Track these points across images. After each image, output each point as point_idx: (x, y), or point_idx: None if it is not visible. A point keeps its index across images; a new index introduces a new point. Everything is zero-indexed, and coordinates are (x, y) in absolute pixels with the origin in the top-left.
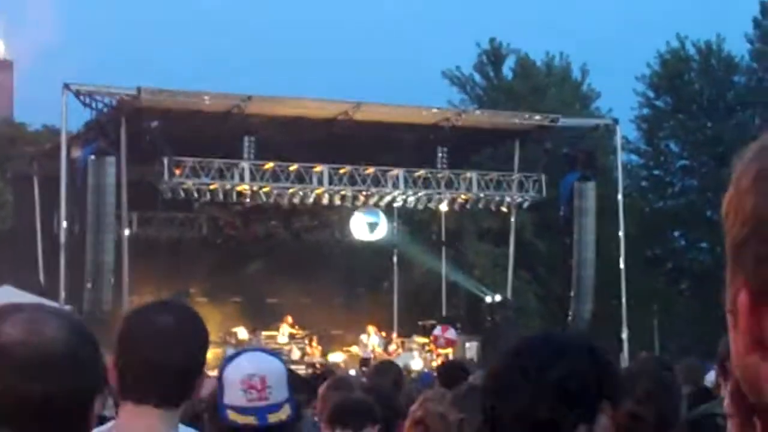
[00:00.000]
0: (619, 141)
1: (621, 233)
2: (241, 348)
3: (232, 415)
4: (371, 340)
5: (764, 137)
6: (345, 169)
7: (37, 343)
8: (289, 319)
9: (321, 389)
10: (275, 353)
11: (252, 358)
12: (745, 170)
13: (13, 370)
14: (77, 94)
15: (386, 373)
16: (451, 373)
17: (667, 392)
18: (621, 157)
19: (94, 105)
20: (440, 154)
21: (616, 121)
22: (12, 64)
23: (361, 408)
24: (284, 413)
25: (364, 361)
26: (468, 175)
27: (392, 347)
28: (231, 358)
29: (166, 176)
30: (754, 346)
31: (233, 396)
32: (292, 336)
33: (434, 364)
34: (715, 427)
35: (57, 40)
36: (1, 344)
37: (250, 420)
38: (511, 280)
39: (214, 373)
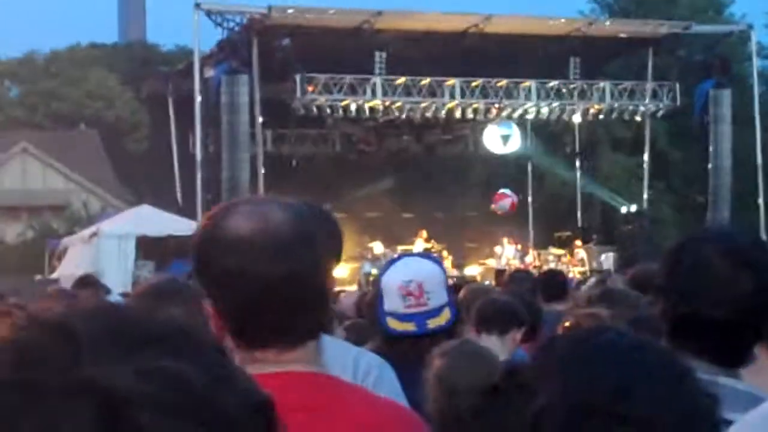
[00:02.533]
0: (754, 47)
1: (758, 140)
2: (377, 262)
3: (391, 323)
4: (506, 252)
5: None
6: (477, 82)
7: (270, 229)
8: (424, 233)
9: (459, 296)
10: (433, 256)
11: (409, 263)
12: None
13: (254, 256)
14: (208, 13)
15: (522, 282)
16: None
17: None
18: (756, 63)
19: (225, 24)
20: (572, 65)
21: (750, 26)
22: None
23: (506, 310)
24: (443, 318)
25: (500, 273)
26: (601, 85)
27: (528, 259)
28: (389, 265)
29: (298, 93)
30: None
31: (392, 303)
32: (427, 250)
33: (571, 275)
34: None
35: None
36: (240, 234)
37: (409, 327)
38: (646, 189)
39: (353, 287)
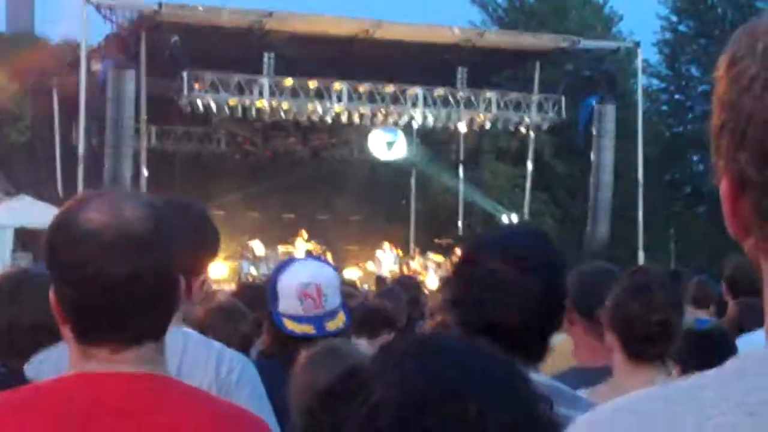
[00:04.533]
0: (640, 64)
1: (640, 156)
2: (257, 261)
3: (289, 324)
4: (386, 257)
5: (748, 23)
6: (364, 87)
7: (118, 224)
8: (304, 234)
9: None
10: (326, 260)
11: (306, 266)
12: (723, 56)
13: (101, 252)
14: (98, 7)
15: (409, 287)
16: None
17: (679, 300)
18: (642, 80)
19: (114, 18)
20: (460, 74)
21: (637, 44)
22: None
23: (377, 314)
24: (340, 320)
25: (380, 278)
26: (488, 95)
27: (409, 264)
28: (283, 267)
29: (185, 90)
30: (742, 232)
31: (289, 305)
32: (308, 251)
33: None
34: (720, 338)
35: None
36: (88, 228)
37: (309, 329)
38: (528, 200)
39: (231, 286)
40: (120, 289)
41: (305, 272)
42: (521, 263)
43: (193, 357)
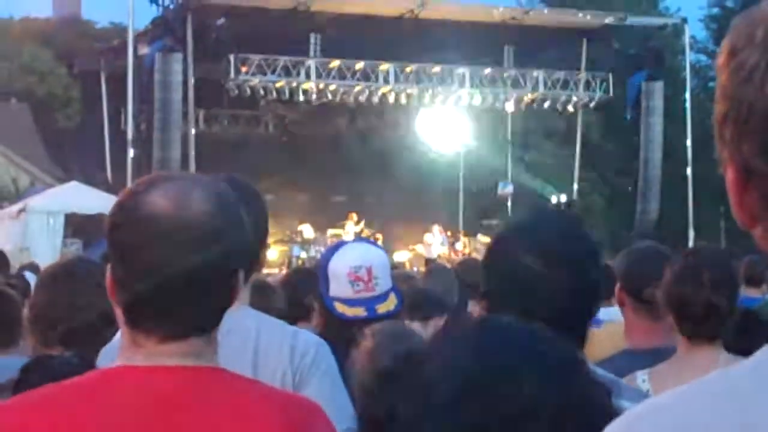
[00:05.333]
0: (687, 41)
1: (689, 134)
2: (307, 245)
3: (339, 307)
4: (435, 239)
5: (746, 11)
6: (411, 68)
7: (185, 216)
8: (354, 216)
9: None
10: (376, 243)
11: (356, 249)
12: (723, 45)
13: (159, 240)
14: None
15: (441, 273)
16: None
17: (734, 279)
18: (689, 57)
19: (160, 2)
20: (507, 53)
21: (684, 20)
22: None
23: (428, 298)
24: (392, 303)
25: (429, 261)
26: (534, 74)
27: (458, 246)
28: (333, 250)
29: (232, 74)
30: (749, 221)
31: (340, 288)
32: (357, 234)
33: None
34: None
35: None
36: (150, 212)
37: (359, 311)
38: (577, 180)
39: (282, 270)
40: (174, 280)
41: (355, 255)
42: (548, 256)
43: (267, 341)
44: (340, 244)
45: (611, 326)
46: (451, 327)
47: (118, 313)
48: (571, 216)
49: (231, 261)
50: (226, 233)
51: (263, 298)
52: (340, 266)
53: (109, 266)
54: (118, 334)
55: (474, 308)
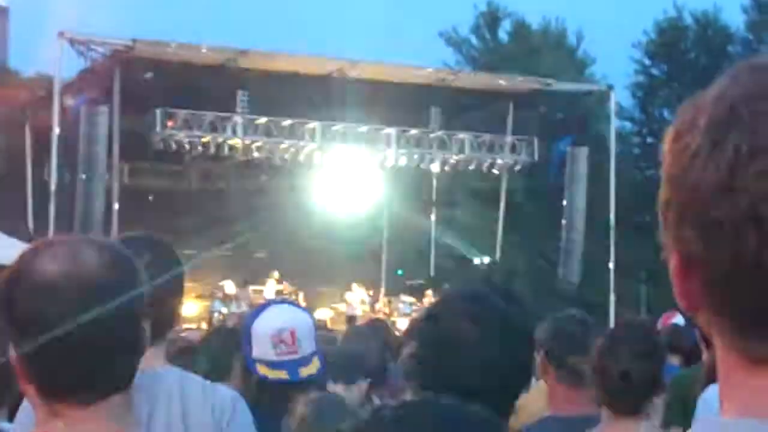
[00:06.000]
0: (613, 107)
1: (612, 199)
2: (228, 301)
3: (262, 369)
4: (357, 298)
5: (690, 99)
6: (338, 127)
7: (77, 273)
8: (276, 273)
9: None
10: (300, 306)
11: (281, 311)
12: (668, 132)
13: (58, 304)
14: (72, 42)
15: (375, 331)
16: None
17: (657, 352)
18: (614, 123)
19: (88, 54)
20: (434, 115)
21: (610, 87)
22: (7, 10)
23: (353, 361)
24: (314, 366)
25: (351, 319)
26: (461, 136)
27: (379, 305)
28: (258, 311)
29: (158, 128)
30: (692, 308)
31: (262, 350)
32: (278, 292)
33: None
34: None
35: None
36: (44, 277)
37: (282, 374)
38: (500, 242)
39: (202, 326)
40: (83, 340)
41: (279, 317)
42: (482, 326)
43: (193, 399)
44: (264, 306)
45: (540, 389)
46: (385, 411)
47: (27, 390)
48: (507, 289)
49: (134, 313)
50: (120, 286)
51: (186, 359)
52: (263, 328)
53: (11, 347)
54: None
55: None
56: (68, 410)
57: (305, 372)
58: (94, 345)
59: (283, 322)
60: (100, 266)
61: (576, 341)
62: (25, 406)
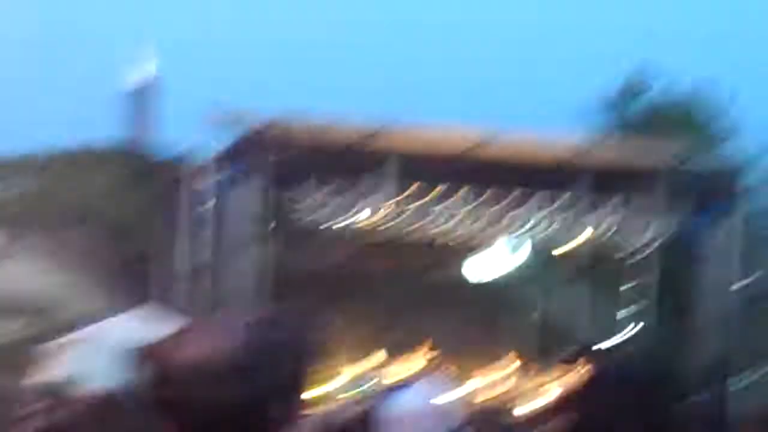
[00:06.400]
0: None
1: None
2: (373, 376)
3: None
4: (509, 369)
5: None
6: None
7: (221, 355)
8: (425, 345)
9: None
10: (443, 381)
11: (420, 390)
12: None
13: (200, 384)
14: (217, 119)
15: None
16: None
17: None
18: None
19: (237, 129)
20: (583, 183)
21: None
22: (153, 89)
23: None
24: None
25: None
26: (609, 204)
27: (531, 376)
28: (396, 392)
29: (308, 201)
30: None
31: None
32: (429, 361)
33: None
34: None
35: (199, 64)
36: (192, 360)
37: None
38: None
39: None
40: (225, 420)
41: (419, 397)
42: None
43: None
44: (403, 386)
45: None
46: None
47: None
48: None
49: (276, 391)
50: (266, 365)
51: None
52: (404, 409)
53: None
54: None
55: None
56: None
57: None
58: (240, 424)
59: (423, 400)
60: (243, 347)
61: None
62: None
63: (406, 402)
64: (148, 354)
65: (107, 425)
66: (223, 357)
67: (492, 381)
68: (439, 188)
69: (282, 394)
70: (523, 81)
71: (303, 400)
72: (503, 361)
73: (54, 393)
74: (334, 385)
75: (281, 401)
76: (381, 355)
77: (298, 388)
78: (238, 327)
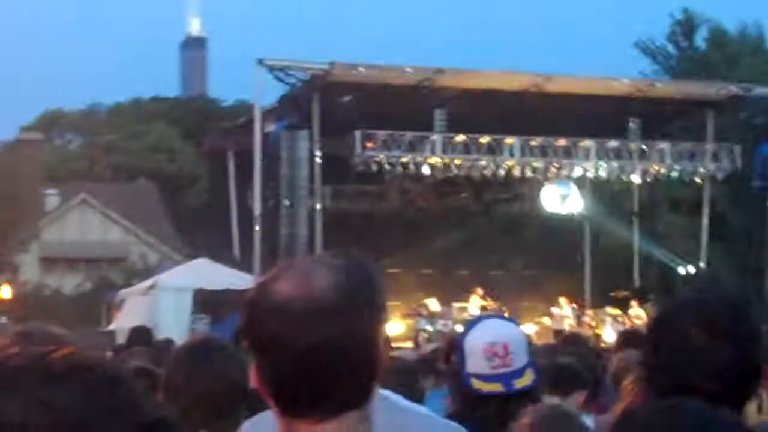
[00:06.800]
0: None
1: None
2: (433, 319)
3: (476, 384)
4: (564, 312)
5: None
6: (536, 141)
7: (308, 295)
8: (480, 290)
9: None
10: (511, 318)
11: (492, 325)
12: None
13: (291, 325)
14: (271, 69)
15: (578, 344)
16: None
17: None
18: None
19: (286, 80)
20: (632, 126)
21: None
22: (206, 40)
23: (571, 372)
24: (528, 378)
25: (558, 333)
26: (660, 146)
27: (585, 319)
28: (470, 327)
29: (358, 149)
30: None
31: (477, 364)
32: (483, 308)
33: None
34: None
35: (250, 14)
36: (277, 301)
37: (497, 387)
38: (704, 251)
39: (409, 344)
40: (313, 359)
41: (492, 331)
42: (712, 329)
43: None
44: (475, 321)
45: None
46: (637, 416)
47: (270, 404)
48: (735, 298)
49: (365, 331)
50: (351, 305)
51: (404, 379)
52: (476, 343)
53: (253, 365)
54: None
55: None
56: (303, 425)
57: (519, 384)
58: (323, 362)
59: (495, 336)
60: (325, 288)
61: None
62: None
63: (484, 334)
64: (227, 301)
65: (199, 370)
66: (314, 299)
67: (546, 324)
68: (489, 136)
69: (372, 337)
70: (574, 29)
71: (388, 339)
72: (559, 306)
73: (131, 338)
74: (399, 328)
75: (371, 344)
76: (436, 300)
77: (384, 329)
78: (331, 269)
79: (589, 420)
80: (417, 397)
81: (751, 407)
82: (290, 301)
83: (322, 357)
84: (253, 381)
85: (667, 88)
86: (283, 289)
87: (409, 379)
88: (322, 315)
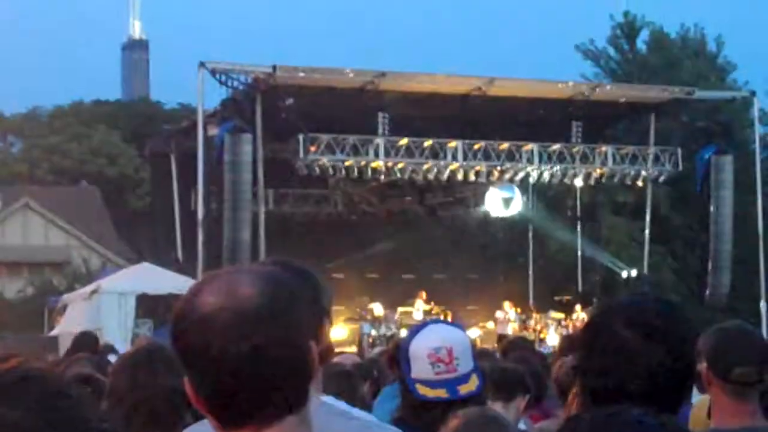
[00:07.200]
0: (756, 113)
1: (759, 207)
2: (377, 323)
3: (421, 389)
4: (508, 316)
5: None
6: (479, 145)
7: (235, 304)
8: (424, 294)
9: None
10: (456, 324)
11: (437, 330)
12: None
13: (219, 336)
14: (213, 72)
15: (523, 349)
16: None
17: None
18: (758, 129)
19: (229, 83)
20: (575, 129)
21: (753, 93)
22: (148, 43)
23: (513, 377)
24: (473, 384)
25: (501, 338)
26: (603, 149)
27: (530, 323)
28: (414, 332)
29: (301, 153)
30: None
31: (421, 370)
32: (427, 312)
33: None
34: None
35: (192, 17)
36: (204, 312)
37: (441, 393)
38: (647, 254)
39: (352, 348)
40: (245, 368)
41: (435, 336)
42: (645, 331)
43: None
44: (420, 326)
45: (702, 403)
46: (578, 423)
47: (208, 418)
48: (669, 300)
49: (296, 336)
50: (280, 311)
51: (342, 384)
52: (421, 348)
53: (185, 379)
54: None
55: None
56: None
57: (464, 390)
58: (256, 370)
59: (439, 341)
60: (252, 295)
61: (741, 352)
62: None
63: (429, 339)
64: (170, 306)
65: (141, 377)
66: (240, 308)
67: (490, 328)
68: (433, 139)
69: (304, 341)
70: (513, 31)
71: (325, 346)
72: (502, 310)
73: (76, 344)
74: (343, 332)
75: (303, 348)
76: (380, 305)
77: (319, 334)
78: (257, 276)
79: (523, 425)
80: (357, 402)
81: (701, 413)
82: (217, 311)
83: (253, 365)
84: (188, 393)
85: (609, 91)
86: (209, 300)
87: (349, 384)
88: (249, 323)
